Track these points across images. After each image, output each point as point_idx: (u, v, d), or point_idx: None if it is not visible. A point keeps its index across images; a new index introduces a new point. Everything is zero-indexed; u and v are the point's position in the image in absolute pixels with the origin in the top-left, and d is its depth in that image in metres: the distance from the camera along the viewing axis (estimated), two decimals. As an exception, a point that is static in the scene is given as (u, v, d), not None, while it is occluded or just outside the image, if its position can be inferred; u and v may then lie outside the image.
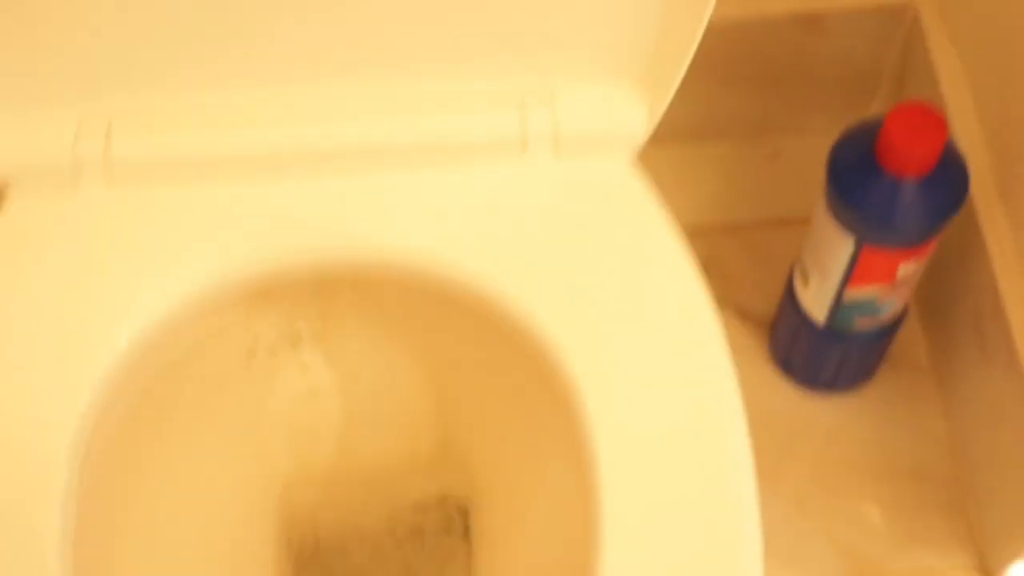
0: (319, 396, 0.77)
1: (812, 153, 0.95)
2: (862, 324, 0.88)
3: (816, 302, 0.87)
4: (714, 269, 0.86)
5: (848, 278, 0.83)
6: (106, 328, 0.58)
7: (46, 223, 0.60)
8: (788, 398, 0.95)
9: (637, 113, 0.61)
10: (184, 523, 0.70)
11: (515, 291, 0.60)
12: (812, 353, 0.92)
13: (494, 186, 0.62)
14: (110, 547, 0.60)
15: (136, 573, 0.65)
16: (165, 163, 0.61)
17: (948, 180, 0.77)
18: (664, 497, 0.54)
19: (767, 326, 0.96)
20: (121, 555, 0.62)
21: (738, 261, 0.97)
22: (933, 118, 0.74)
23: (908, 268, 0.82)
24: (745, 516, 0.54)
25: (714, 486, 0.55)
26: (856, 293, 0.84)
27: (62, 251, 0.60)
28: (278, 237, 0.61)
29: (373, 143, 0.62)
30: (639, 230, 0.61)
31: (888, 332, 0.90)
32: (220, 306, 0.65)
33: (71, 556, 0.53)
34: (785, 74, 0.98)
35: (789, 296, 0.91)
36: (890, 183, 0.76)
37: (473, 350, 0.73)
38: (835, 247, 0.81)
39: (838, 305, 0.86)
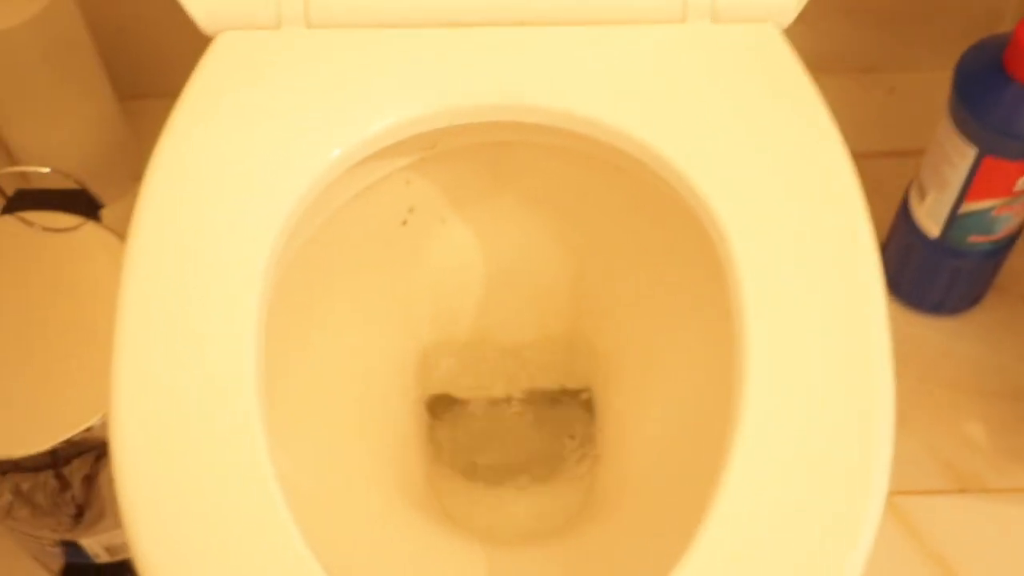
0: (463, 269, 0.80)
1: (928, 88, 0.99)
2: (975, 240, 0.90)
3: (931, 216, 0.90)
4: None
5: (966, 191, 0.86)
6: (292, 166, 0.61)
7: (248, 60, 0.65)
8: (894, 318, 0.96)
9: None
10: (336, 371, 0.73)
11: (670, 149, 0.63)
12: (922, 271, 0.95)
13: (651, 49, 0.66)
14: (273, 382, 0.60)
15: (292, 411, 0.68)
16: (359, 7, 0.66)
17: (1072, 91, 0.80)
18: (807, 360, 0.56)
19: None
20: (280, 392, 0.63)
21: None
22: (1062, 28, 0.77)
23: (1026, 181, 0.85)
24: (881, 383, 0.57)
25: (854, 350, 0.57)
26: (972, 206, 0.87)
27: (257, 87, 0.64)
28: (457, 86, 0.64)
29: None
30: (789, 95, 0.65)
31: (1000, 251, 0.93)
32: (388, 156, 0.68)
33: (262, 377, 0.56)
34: (907, 10, 1.01)
35: (903, 214, 0.94)
36: (1016, 91, 0.80)
37: (618, 226, 0.76)
38: (956, 158, 0.84)
39: (953, 219, 0.89)
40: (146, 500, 0.53)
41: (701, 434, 0.64)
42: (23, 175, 0.91)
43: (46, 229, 0.77)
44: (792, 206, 0.61)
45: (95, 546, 0.81)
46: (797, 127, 0.63)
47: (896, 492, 0.89)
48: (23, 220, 0.78)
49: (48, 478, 0.72)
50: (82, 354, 0.72)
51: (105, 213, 0.81)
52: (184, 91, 0.63)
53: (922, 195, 0.90)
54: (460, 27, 0.66)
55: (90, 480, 0.74)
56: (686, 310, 0.73)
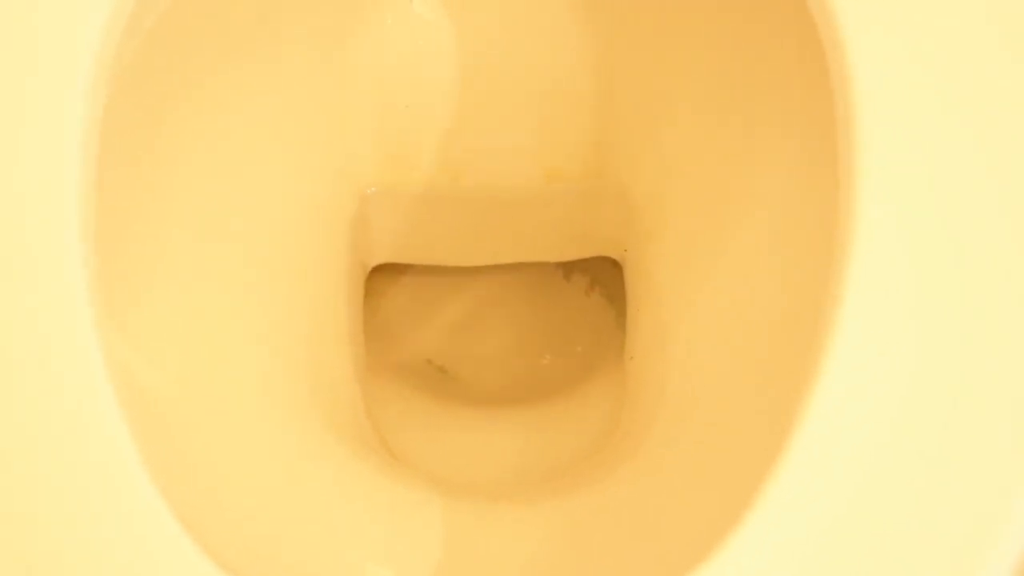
0: (426, 63, 0.66)
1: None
2: None
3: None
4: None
5: None
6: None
7: None
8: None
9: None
10: (217, 226, 0.61)
11: None
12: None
13: None
14: (114, 239, 0.50)
15: (143, 283, 0.55)
16: None
17: None
18: (955, 234, 0.46)
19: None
20: (125, 255, 0.53)
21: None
22: None
23: None
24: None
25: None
26: None
27: None
28: None
29: None
30: None
31: None
32: None
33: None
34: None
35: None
36: None
37: (674, 8, 0.62)
38: None
39: None
40: None
41: (785, 333, 0.55)
42: None
43: None
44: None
45: None
46: None
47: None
48: None
49: None
50: None
51: None
52: None
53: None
54: None
55: None
56: (771, 146, 0.61)
